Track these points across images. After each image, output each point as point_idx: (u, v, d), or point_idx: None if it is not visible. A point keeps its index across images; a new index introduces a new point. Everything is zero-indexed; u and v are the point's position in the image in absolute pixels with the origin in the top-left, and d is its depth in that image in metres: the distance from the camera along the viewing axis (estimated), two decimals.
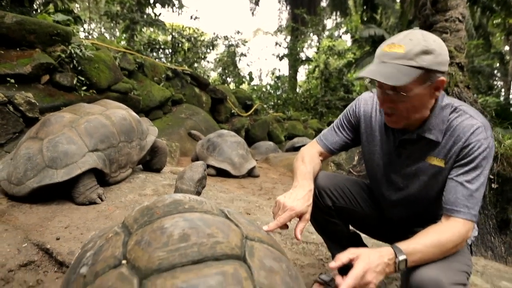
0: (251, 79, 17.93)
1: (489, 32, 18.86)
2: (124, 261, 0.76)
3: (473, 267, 1.92)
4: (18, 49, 4.56)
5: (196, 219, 0.83)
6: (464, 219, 1.25)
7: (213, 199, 3.11)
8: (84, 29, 11.69)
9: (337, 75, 15.95)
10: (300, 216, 1.36)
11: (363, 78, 1.31)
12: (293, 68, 19.78)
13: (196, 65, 13.45)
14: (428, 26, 5.57)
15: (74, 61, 5.16)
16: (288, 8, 22.89)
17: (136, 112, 3.41)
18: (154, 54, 11.97)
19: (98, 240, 0.89)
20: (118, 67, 6.50)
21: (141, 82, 7.68)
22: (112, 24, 14.65)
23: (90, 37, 10.43)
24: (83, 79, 5.33)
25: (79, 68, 5.27)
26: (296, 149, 8.91)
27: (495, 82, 24.09)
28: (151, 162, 3.50)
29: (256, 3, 22.98)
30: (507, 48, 21.02)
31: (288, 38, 20.91)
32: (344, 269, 1.17)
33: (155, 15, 11.96)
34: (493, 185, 4.18)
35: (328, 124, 2.20)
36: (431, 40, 1.25)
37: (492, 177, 4.18)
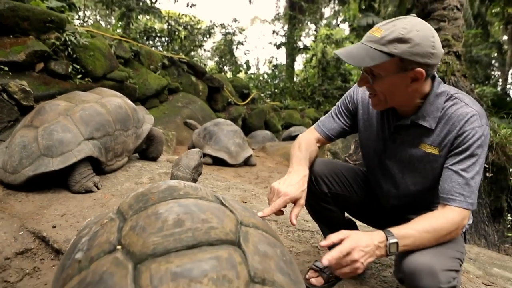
0: (248, 67, 17.82)
1: (487, 21, 18.78)
2: (119, 247, 0.76)
3: (466, 254, 1.95)
4: (11, 36, 4.49)
5: (190, 205, 0.84)
6: (459, 208, 1.25)
7: (209, 187, 3.11)
8: (79, 16, 11.52)
9: (335, 64, 15.86)
10: (294, 202, 1.37)
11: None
12: (291, 57, 19.66)
13: (192, 53, 13.33)
14: (426, 14, 5.55)
15: (69, 49, 5.10)
16: None
17: (132, 101, 3.39)
18: (150, 42, 11.85)
19: (93, 226, 0.89)
20: (114, 55, 6.44)
21: (137, 71, 7.62)
22: (107, 12, 14.44)
23: (85, 24, 10.29)
24: (78, 67, 5.27)
25: (74, 56, 5.21)
26: (293, 138, 8.91)
27: (492, 72, 24.09)
28: (147, 150, 3.50)
29: None
30: (505, 37, 20.95)
31: (286, 26, 20.73)
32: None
33: (151, 2, 11.78)
34: (487, 174, 4.22)
35: (325, 113, 2.23)
36: (415, 29, 1.22)
37: (486, 166, 4.21)
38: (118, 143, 2.85)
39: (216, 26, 14.79)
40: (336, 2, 21.63)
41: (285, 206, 1.36)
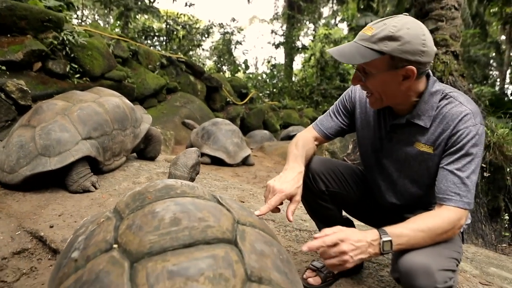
0: (247, 67, 17.83)
1: (485, 21, 18.83)
2: (115, 245, 0.76)
3: (463, 254, 1.95)
4: (9, 35, 4.48)
5: (187, 204, 0.84)
6: (455, 207, 1.25)
7: (207, 187, 3.11)
8: (77, 15, 11.50)
9: (333, 63, 15.88)
10: (290, 198, 1.38)
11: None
12: (289, 57, 19.68)
13: (191, 53, 13.32)
14: (424, 14, 5.56)
15: (67, 48, 5.09)
16: None
17: (131, 100, 3.38)
18: (149, 41, 11.84)
19: (90, 225, 0.89)
20: (112, 54, 6.43)
21: (135, 70, 7.62)
22: (105, 11, 14.42)
23: (83, 23, 10.27)
24: (76, 66, 5.26)
25: (72, 55, 5.20)
26: (291, 137, 8.89)
27: (490, 72, 24.15)
28: (145, 150, 3.49)
29: None
30: (503, 37, 21.01)
31: (284, 26, 20.74)
32: None
33: (149, 1, 11.77)
34: (485, 174, 4.23)
35: (323, 113, 2.23)
36: (406, 28, 1.23)
37: (484, 165, 4.22)
38: (116, 143, 2.84)
39: (215, 26, 14.80)
40: (335, 1, 21.65)
41: (281, 204, 1.36)
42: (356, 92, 1.63)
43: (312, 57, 16.61)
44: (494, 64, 23.49)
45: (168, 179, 1.06)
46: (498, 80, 22.88)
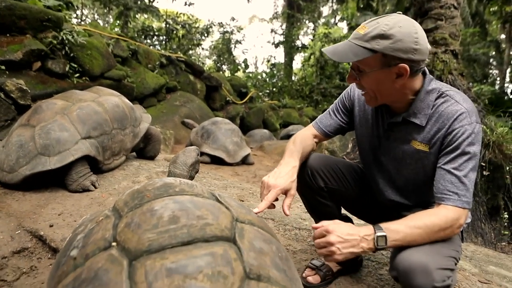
0: (246, 66, 17.83)
1: (485, 20, 18.82)
2: (114, 243, 0.76)
3: (462, 253, 1.95)
4: (8, 35, 4.48)
5: (186, 202, 0.84)
6: (454, 206, 1.25)
7: (207, 186, 3.12)
8: (76, 15, 11.49)
9: (333, 63, 15.87)
10: (285, 193, 1.39)
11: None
12: (289, 56, 19.68)
13: (190, 52, 13.33)
14: (423, 13, 5.56)
15: (66, 48, 5.09)
16: None
17: (130, 100, 3.38)
18: (148, 41, 11.84)
19: (89, 224, 0.89)
20: (111, 54, 6.43)
21: (134, 69, 7.61)
22: (105, 10, 14.42)
23: (82, 23, 10.26)
24: (75, 66, 5.26)
25: (71, 54, 5.20)
26: (291, 137, 8.92)
27: (490, 71, 24.15)
28: (145, 149, 3.49)
29: None
30: (503, 36, 21.00)
31: (284, 25, 20.73)
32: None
33: (149, 1, 11.78)
34: (484, 172, 4.24)
35: (323, 112, 2.25)
36: (398, 26, 1.24)
37: (483, 164, 4.23)
38: (115, 142, 2.85)
39: (214, 25, 14.80)
40: (334, 0, 21.64)
41: (276, 200, 1.38)
42: (355, 90, 1.64)
43: (312, 56, 16.62)
44: (494, 63, 23.48)
45: (167, 177, 1.06)
46: (498, 79, 22.88)
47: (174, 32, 12.17)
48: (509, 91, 20.69)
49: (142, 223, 0.77)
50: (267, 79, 17.69)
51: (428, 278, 1.14)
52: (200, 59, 15.27)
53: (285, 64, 19.61)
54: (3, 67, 4.14)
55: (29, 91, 3.88)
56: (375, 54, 1.26)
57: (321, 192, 1.66)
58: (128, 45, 7.87)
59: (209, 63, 17.30)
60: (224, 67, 16.32)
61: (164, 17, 12.25)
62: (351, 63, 1.38)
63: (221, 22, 15.47)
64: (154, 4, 11.78)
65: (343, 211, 1.86)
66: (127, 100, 3.18)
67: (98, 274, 0.70)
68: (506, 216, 4.50)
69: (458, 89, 1.60)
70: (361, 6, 17.25)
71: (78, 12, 12.36)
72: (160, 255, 0.70)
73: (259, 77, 17.88)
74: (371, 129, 1.57)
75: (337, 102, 1.71)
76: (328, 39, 15.91)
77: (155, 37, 12.28)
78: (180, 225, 0.76)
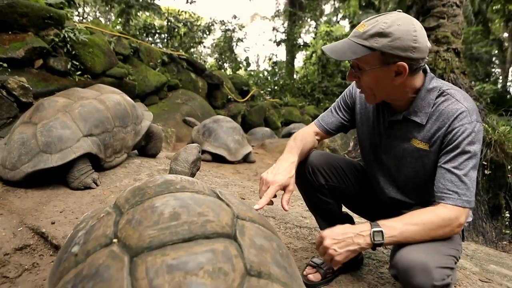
0: (248, 64, 17.82)
1: (488, 18, 18.71)
2: (115, 240, 0.76)
3: (463, 251, 1.95)
4: (10, 32, 4.49)
5: (187, 198, 0.84)
6: (453, 205, 1.25)
7: (208, 184, 3.12)
8: (78, 12, 11.50)
9: (335, 61, 15.82)
10: (284, 188, 1.40)
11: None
12: (290, 54, 19.65)
13: (192, 50, 13.33)
14: (425, 11, 5.54)
15: (68, 45, 5.10)
16: None
17: (132, 98, 3.39)
18: (150, 38, 11.84)
19: (90, 220, 0.89)
20: (113, 51, 6.43)
21: (136, 67, 7.62)
22: (107, 8, 14.42)
23: (84, 21, 10.26)
24: (77, 63, 5.27)
25: (73, 52, 5.21)
26: (292, 135, 8.92)
27: (493, 69, 24.04)
28: (146, 147, 3.50)
29: None
30: (506, 35, 20.89)
31: (286, 23, 20.69)
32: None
33: None
34: (486, 171, 4.23)
35: (325, 110, 2.26)
36: (396, 24, 1.24)
37: (485, 163, 4.22)
38: (117, 140, 2.85)
39: (216, 23, 14.79)
40: None
41: (275, 196, 1.39)
42: (357, 88, 1.64)
43: (314, 55, 16.58)
44: (497, 61, 23.37)
45: (169, 174, 1.06)
46: (500, 77, 22.78)
47: (176, 30, 12.17)
48: (511, 90, 20.62)
49: (143, 220, 0.78)
50: (269, 77, 17.66)
51: (428, 277, 1.14)
52: (201, 57, 15.27)
53: (287, 62, 19.59)
54: (5, 65, 4.15)
55: (31, 88, 3.89)
56: (374, 52, 1.26)
57: (322, 189, 1.66)
58: (130, 43, 7.87)
59: (210, 61, 17.30)
60: (226, 65, 16.32)
61: (166, 15, 12.24)
62: (351, 61, 1.38)
63: (223, 20, 15.49)
64: (156, 2, 11.78)
65: (344, 209, 1.87)
66: (128, 98, 3.18)
67: (99, 270, 0.70)
68: (508, 215, 4.49)
69: (460, 87, 1.60)
70: (363, 4, 17.18)
71: (80, 9, 12.37)
72: (161, 251, 0.70)
73: (261, 75, 17.87)
74: (372, 127, 1.57)
75: (339, 100, 1.72)
76: (330, 37, 15.87)
77: (157, 35, 12.28)
78: (181, 221, 0.76)
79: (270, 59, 19.36)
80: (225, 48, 15.98)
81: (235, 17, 16.09)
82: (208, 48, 17.03)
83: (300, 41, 19.27)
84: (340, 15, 22.09)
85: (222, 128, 5.44)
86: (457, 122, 1.29)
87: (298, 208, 2.74)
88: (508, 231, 4.46)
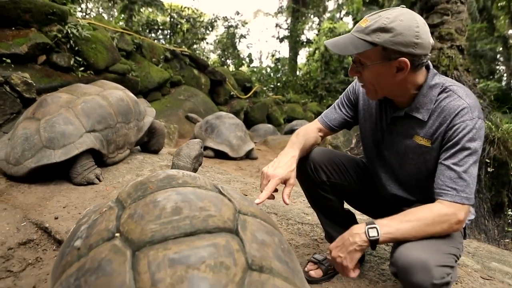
0: (251, 61, 17.79)
1: (493, 15, 18.56)
2: (117, 234, 0.77)
3: (465, 249, 1.94)
4: (13, 28, 4.49)
5: (189, 193, 0.84)
6: (451, 202, 1.24)
7: (210, 180, 3.13)
8: (81, 8, 11.49)
9: (338, 58, 15.79)
10: (284, 182, 1.41)
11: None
12: (293, 50, 19.60)
13: (195, 46, 13.31)
14: (429, 8, 5.50)
15: (71, 41, 5.10)
16: None
17: (134, 94, 3.39)
18: (153, 34, 11.83)
19: (93, 215, 0.90)
20: (116, 47, 6.44)
21: (139, 63, 7.62)
22: (109, 4, 14.41)
23: (87, 16, 10.27)
24: (80, 59, 5.28)
25: (76, 48, 5.22)
26: (295, 131, 8.91)
27: (497, 67, 23.85)
28: (149, 143, 3.51)
29: None
30: (510, 31, 20.72)
31: (289, 19, 20.62)
32: None
33: None
34: (488, 169, 4.21)
35: (327, 107, 2.27)
36: (399, 19, 1.23)
37: (488, 161, 4.20)
38: (119, 136, 2.86)
39: (219, 19, 14.77)
40: None
41: (276, 191, 1.39)
42: (360, 84, 1.63)
43: (317, 51, 16.54)
44: (501, 58, 23.16)
45: (171, 169, 1.06)
46: (505, 75, 22.62)
47: (179, 26, 12.15)
48: None
49: (145, 214, 0.78)
50: (272, 74, 17.64)
51: (427, 275, 1.13)
52: (204, 53, 15.24)
53: (290, 59, 19.54)
54: (8, 61, 4.16)
55: (34, 84, 3.89)
56: (376, 47, 1.26)
57: (324, 186, 1.66)
58: (133, 39, 7.87)
59: (213, 57, 17.27)
60: (229, 61, 16.30)
61: (169, 11, 12.23)
62: (353, 56, 1.37)
63: (226, 16, 15.47)
64: None
65: (346, 205, 1.87)
66: (131, 94, 3.19)
67: (102, 264, 0.71)
68: (510, 213, 4.47)
69: (464, 85, 1.58)
70: (367, 0, 17.07)
71: (83, 5, 12.36)
72: (163, 245, 0.71)
73: (264, 71, 17.85)
74: (375, 123, 1.57)
75: (342, 96, 1.71)
76: (333, 34, 15.80)
77: (160, 31, 12.28)
78: (182, 216, 0.77)
79: (273, 55, 19.34)
80: (228, 44, 15.96)
81: (238, 13, 16.06)
82: (211, 44, 17.00)
83: (303, 37, 19.23)
84: (343, 12, 21.98)
85: (224, 124, 5.44)
86: (458, 118, 1.28)
87: (300, 204, 2.74)
88: (510, 229, 4.45)
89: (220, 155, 5.27)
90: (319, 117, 1.75)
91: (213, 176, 3.29)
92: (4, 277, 1.66)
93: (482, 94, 5.64)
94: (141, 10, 12.68)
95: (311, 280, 1.68)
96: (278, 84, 16.58)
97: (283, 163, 1.44)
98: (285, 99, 13.85)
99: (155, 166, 3.07)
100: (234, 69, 14.93)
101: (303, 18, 19.77)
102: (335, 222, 1.74)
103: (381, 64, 1.29)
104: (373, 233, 1.21)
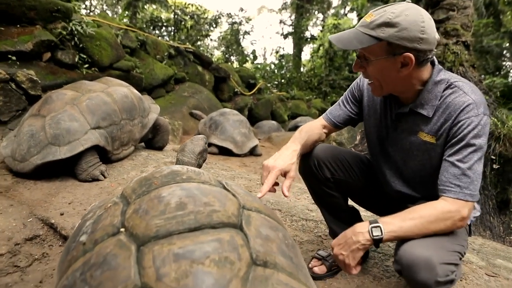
0: (255, 57, 17.77)
1: (499, 11, 18.35)
2: (122, 229, 0.77)
3: (470, 246, 1.93)
4: (18, 25, 4.52)
5: (193, 188, 0.84)
6: (454, 198, 1.23)
7: (214, 176, 3.14)
8: (85, 5, 11.53)
9: (342, 54, 15.71)
10: (285, 175, 1.41)
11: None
12: (298, 47, 19.53)
13: (199, 43, 13.31)
14: (434, 3, 5.45)
15: (76, 38, 5.12)
16: None
17: (139, 91, 3.41)
18: (157, 31, 11.85)
19: (98, 210, 0.91)
20: (120, 44, 6.45)
21: (143, 60, 7.63)
22: (114, 1, 14.44)
23: (91, 14, 10.29)
24: (84, 56, 5.30)
25: (81, 45, 5.24)
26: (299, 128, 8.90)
27: (503, 63, 23.60)
28: (153, 140, 3.52)
29: None
30: None
31: (293, 16, 20.54)
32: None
33: None
34: (494, 166, 4.18)
35: (332, 104, 2.27)
36: (404, 14, 1.22)
37: (493, 157, 4.17)
38: (124, 132, 2.87)
39: (223, 16, 14.74)
40: None
41: (277, 184, 1.40)
42: (364, 80, 1.63)
43: (321, 48, 16.46)
44: (508, 54, 22.92)
45: (175, 165, 1.07)
46: (511, 71, 22.38)
47: (183, 23, 12.16)
48: None
49: (150, 210, 0.78)
50: (276, 70, 17.60)
51: (432, 273, 1.13)
52: (208, 50, 15.25)
53: (294, 55, 19.48)
54: (14, 58, 4.19)
55: (39, 81, 3.92)
56: (380, 42, 1.24)
57: (328, 183, 1.66)
58: (137, 36, 7.88)
59: (217, 54, 17.27)
60: (233, 58, 16.29)
61: (173, 7, 12.23)
62: (357, 51, 1.36)
63: (230, 13, 15.46)
64: None
65: (350, 202, 1.86)
66: (136, 91, 3.20)
67: (107, 259, 0.71)
68: None
69: (469, 81, 1.56)
70: None
71: (87, 2, 12.40)
72: (168, 240, 0.71)
73: (268, 68, 17.81)
74: (379, 120, 1.56)
75: (347, 93, 1.70)
76: (338, 30, 15.69)
77: (164, 28, 12.28)
78: (187, 211, 0.77)
79: (277, 52, 19.27)
80: (232, 41, 15.95)
81: (242, 9, 16.09)
82: (215, 41, 17.01)
83: (307, 34, 19.15)
84: (348, 8, 21.81)
85: (228, 121, 5.44)
86: (463, 114, 1.27)
87: (304, 201, 2.74)
88: None
89: (224, 151, 5.27)
90: (323, 114, 1.74)
91: (218, 173, 3.30)
92: (11, 272, 1.67)
93: (488, 90, 5.59)
94: (145, 7, 12.69)
95: (315, 277, 1.68)
96: (282, 80, 16.55)
97: (284, 155, 1.45)
98: (289, 96, 13.83)
99: (159, 163, 3.09)
100: (238, 66, 14.90)
101: (307, 15, 19.68)
102: (339, 219, 1.73)
103: (386, 59, 1.28)
104: (376, 232, 1.20)
